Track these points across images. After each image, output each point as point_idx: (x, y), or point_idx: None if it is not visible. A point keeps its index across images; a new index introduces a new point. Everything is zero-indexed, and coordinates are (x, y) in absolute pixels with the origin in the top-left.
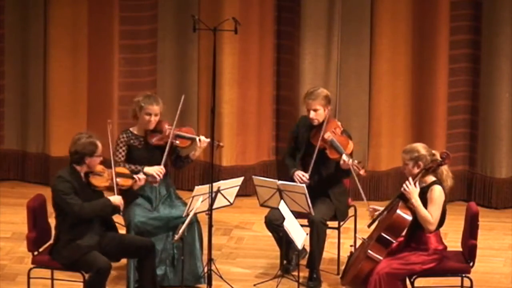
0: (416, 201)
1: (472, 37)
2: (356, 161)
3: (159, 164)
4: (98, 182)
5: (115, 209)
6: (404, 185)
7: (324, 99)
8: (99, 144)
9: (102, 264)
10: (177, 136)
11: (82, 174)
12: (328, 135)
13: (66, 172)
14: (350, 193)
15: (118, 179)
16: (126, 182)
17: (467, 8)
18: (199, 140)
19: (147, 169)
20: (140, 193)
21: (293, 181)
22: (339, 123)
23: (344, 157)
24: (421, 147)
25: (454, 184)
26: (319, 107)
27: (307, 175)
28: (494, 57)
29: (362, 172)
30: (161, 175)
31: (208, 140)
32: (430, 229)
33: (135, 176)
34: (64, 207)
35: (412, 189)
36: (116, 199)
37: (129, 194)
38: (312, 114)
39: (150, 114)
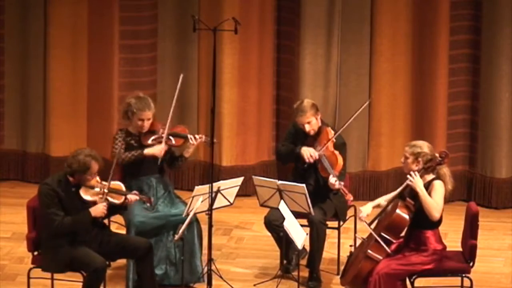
0: (422, 190)
1: (472, 37)
2: (342, 184)
3: (152, 164)
4: (87, 195)
5: (96, 220)
6: (409, 177)
7: (312, 109)
8: (94, 166)
9: (98, 264)
10: (171, 135)
11: (73, 183)
12: (319, 150)
13: (54, 180)
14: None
15: (110, 195)
16: (117, 199)
17: (467, 8)
18: (193, 137)
19: (148, 150)
20: (135, 190)
21: (298, 157)
22: (331, 132)
23: (332, 179)
24: (425, 146)
25: (454, 185)
26: (311, 119)
27: (316, 153)
28: (494, 57)
29: (348, 197)
30: (162, 153)
31: (200, 136)
32: (436, 216)
33: (128, 196)
34: (44, 218)
35: (418, 180)
36: (98, 210)
37: (117, 208)
38: (307, 128)
39: (142, 120)
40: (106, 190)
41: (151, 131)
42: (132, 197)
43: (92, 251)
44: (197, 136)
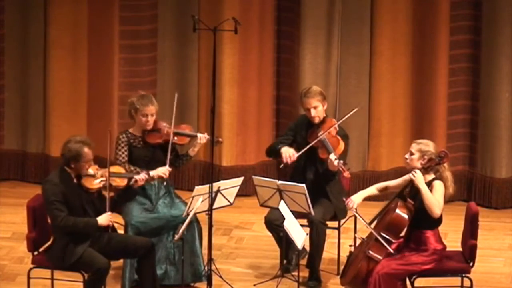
0: (424, 187)
1: (472, 37)
2: (342, 162)
3: (160, 162)
4: (90, 184)
5: (101, 228)
6: (413, 172)
7: (320, 95)
8: (87, 151)
9: (101, 264)
10: (176, 134)
11: (73, 175)
12: (321, 134)
13: (55, 175)
14: (350, 193)
15: (112, 179)
16: (121, 182)
17: (467, 8)
18: (202, 136)
19: (153, 172)
20: (139, 190)
21: (279, 155)
22: (335, 123)
23: (332, 156)
24: (432, 145)
25: (454, 190)
26: (318, 104)
27: (296, 154)
28: (494, 57)
29: (346, 174)
30: (167, 174)
31: (208, 136)
32: (437, 212)
33: (135, 176)
34: (49, 215)
35: (420, 176)
36: (104, 219)
37: (127, 193)
38: (313, 113)
39: (146, 115)
40: (107, 175)
41: (155, 129)
42: (141, 176)
43: (95, 251)
44: (204, 135)
